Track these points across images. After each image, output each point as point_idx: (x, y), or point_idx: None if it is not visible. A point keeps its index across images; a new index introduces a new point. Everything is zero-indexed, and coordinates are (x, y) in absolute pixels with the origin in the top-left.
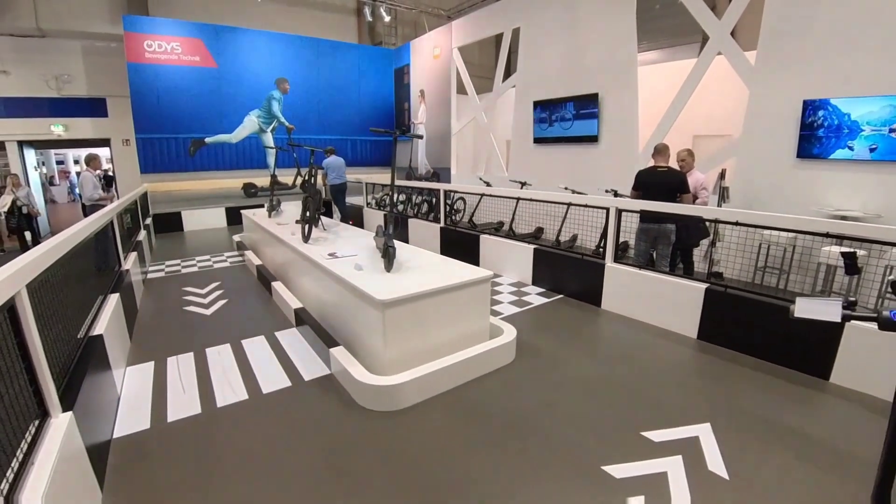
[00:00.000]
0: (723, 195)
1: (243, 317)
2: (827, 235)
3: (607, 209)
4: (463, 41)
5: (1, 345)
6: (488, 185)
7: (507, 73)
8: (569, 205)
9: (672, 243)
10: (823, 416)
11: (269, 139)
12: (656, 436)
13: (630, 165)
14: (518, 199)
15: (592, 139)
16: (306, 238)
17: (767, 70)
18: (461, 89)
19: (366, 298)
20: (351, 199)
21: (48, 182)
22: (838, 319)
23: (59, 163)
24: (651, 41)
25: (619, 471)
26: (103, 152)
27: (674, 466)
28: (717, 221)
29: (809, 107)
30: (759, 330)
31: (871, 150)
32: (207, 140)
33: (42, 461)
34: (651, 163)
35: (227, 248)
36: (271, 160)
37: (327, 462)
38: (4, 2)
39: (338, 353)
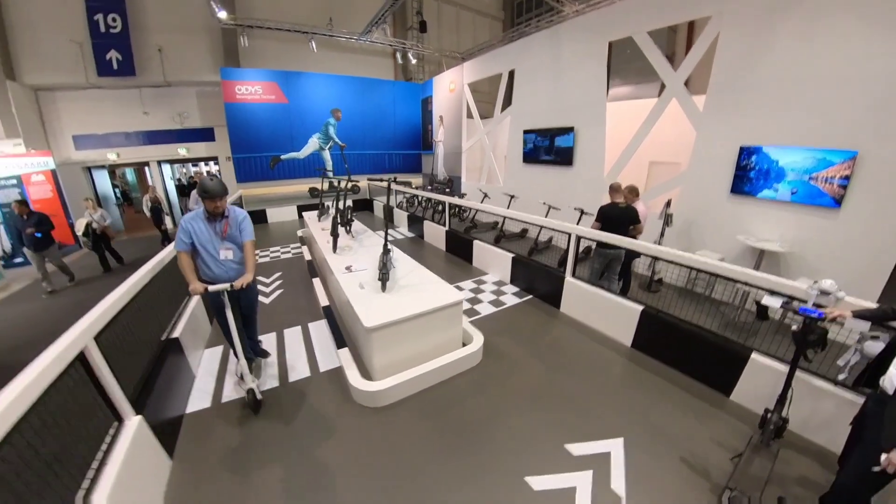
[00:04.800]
0: (667, 221)
1: (290, 307)
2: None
3: (569, 234)
4: (472, 78)
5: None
6: (486, 195)
7: (508, 104)
8: (541, 228)
9: (622, 263)
10: (721, 434)
11: (326, 156)
12: (576, 449)
13: (596, 186)
14: (504, 217)
15: (568, 162)
16: (335, 248)
17: (712, 117)
18: (471, 115)
19: (359, 319)
20: (383, 199)
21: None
22: (778, 306)
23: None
24: (622, 78)
25: (537, 482)
26: (214, 166)
27: (583, 482)
28: (656, 258)
29: (745, 151)
30: (681, 348)
31: (792, 193)
32: (282, 157)
33: (115, 457)
34: (607, 197)
35: (292, 240)
36: (329, 170)
37: (325, 445)
38: (143, 65)
39: (343, 354)
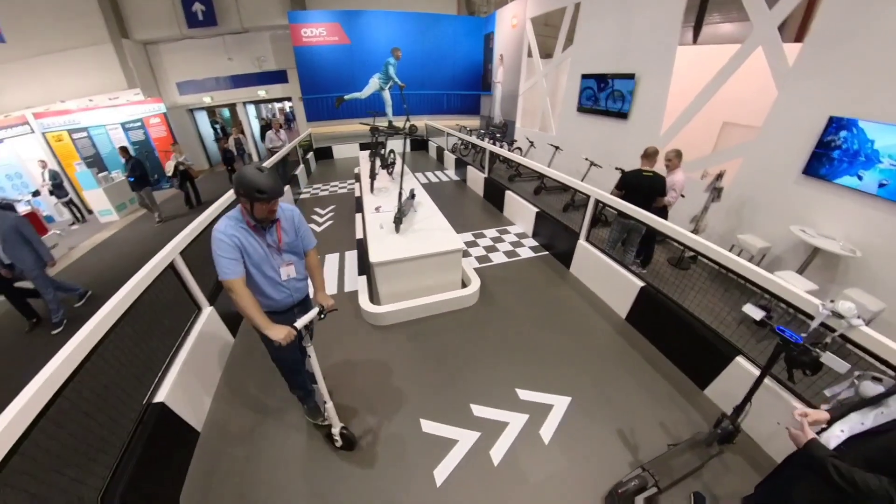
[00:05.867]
0: (715, 195)
1: (335, 237)
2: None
3: (590, 197)
4: (535, 13)
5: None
6: (532, 144)
7: (571, 43)
8: (575, 191)
9: (642, 235)
10: (673, 421)
11: (386, 96)
12: (524, 394)
13: (649, 144)
14: (542, 176)
15: (623, 116)
16: (371, 189)
17: (803, 74)
18: (531, 54)
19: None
20: (438, 141)
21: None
22: (758, 318)
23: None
24: (724, 13)
25: (479, 410)
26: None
27: (517, 422)
28: (685, 247)
29: (834, 124)
30: (670, 332)
31: (881, 186)
32: (346, 97)
33: (194, 332)
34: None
35: (350, 176)
36: (389, 110)
37: (334, 346)
38: (223, 14)
39: (361, 280)
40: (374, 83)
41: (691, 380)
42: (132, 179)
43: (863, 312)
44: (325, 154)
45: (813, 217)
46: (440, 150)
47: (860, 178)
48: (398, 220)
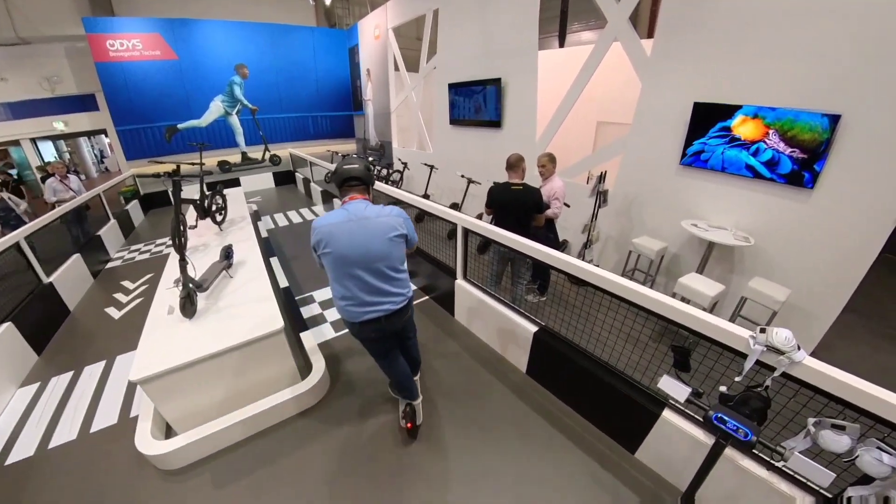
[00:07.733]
0: (600, 199)
1: (135, 325)
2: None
3: (456, 225)
4: (395, 22)
5: None
6: (406, 165)
7: (434, 52)
8: (450, 217)
9: (528, 263)
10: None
11: (235, 122)
12: None
13: (527, 152)
14: (410, 203)
15: (496, 124)
16: (178, 251)
17: (662, 63)
18: (398, 67)
19: None
20: (305, 172)
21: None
22: (682, 399)
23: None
24: (581, 21)
25: None
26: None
27: None
28: (578, 280)
29: (700, 110)
30: (579, 387)
31: (748, 167)
32: (180, 126)
33: None
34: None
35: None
36: (240, 139)
37: None
38: None
39: (146, 401)
40: (216, 108)
41: (616, 442)
42: None
43: (771, 304)
44: (160, 201)
45: (700, 209)
46: (307, 183)
47: (733, 161)
48: (186, 300)
